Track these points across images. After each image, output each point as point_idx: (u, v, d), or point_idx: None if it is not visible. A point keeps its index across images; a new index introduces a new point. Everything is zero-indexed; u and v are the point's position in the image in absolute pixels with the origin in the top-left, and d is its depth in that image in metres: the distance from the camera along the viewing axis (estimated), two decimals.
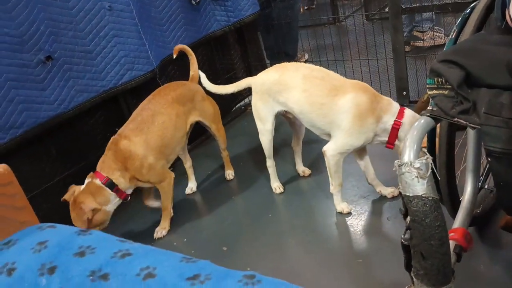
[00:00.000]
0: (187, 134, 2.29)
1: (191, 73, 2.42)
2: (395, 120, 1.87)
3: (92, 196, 1.93)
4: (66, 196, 1.98)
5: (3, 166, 1.10)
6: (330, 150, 1.94)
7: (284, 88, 2.03)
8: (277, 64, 2.20)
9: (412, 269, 1.08)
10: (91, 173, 2.00)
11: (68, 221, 2.22)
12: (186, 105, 2.21)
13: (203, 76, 2.36)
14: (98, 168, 2.00)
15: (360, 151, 2.06)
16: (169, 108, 2.12)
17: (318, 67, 2.08)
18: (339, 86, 1.92)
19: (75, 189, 1.97)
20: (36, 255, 1.00)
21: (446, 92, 1.08)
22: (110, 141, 2.04)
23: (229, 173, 2.57)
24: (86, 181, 1.98)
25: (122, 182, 1.98)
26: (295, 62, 2.19)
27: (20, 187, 1.19)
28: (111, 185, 1.97)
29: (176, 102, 2.16)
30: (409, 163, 0.99)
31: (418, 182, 0.98)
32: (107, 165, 1.98)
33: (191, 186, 2.51)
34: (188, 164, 2.51)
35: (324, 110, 1.94)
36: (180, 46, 2.47)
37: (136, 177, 2.01)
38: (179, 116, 2.16)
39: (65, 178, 2.25)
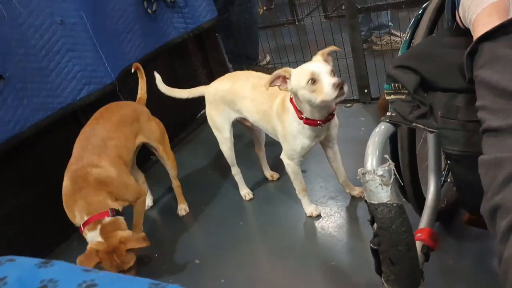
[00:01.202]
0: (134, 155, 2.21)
1: (139, 95, 2.33)
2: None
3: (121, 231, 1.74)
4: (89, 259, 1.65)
5: None
6: (284, 158, 1.94)
7: (237, 97, 2.02)
8: (229, 73, 2.20)
9: (383, 274, 1.09)
10: (85, 226, 1.74)
11: (33, 246, 2.15)
12: (132, 125, 2.11)
13: (158, 78, 2.31)
14: (89, 214, 1.75)
15: (330, 151, 2.00)
16: (117, 131, 2.01)
17: (267, 75, 2.06)
18: (276, 90, 1.79)
19: (95, 246, 1.68)
20: None
21: (403, 97, 1.09)
22: (71, 180, 1.81)
23: (182, 208, 2.35)
24: (93, 233, 1.72)
25: (117, 205, 1.84)
26: (246, 71, 2.19)
27: None
28: (118, 212, 1.80)
29: (122, 124, 2.05)
30: (372, 171, 1.00)
31: (382, 189, 0.99)
32: (95, 202, 1.77)
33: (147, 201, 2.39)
34: (141, 180, 2.42)
35: (266, 116, 1.93)
36: (137, 64, 2.37)
37: (119, 199, 1.88)
38: (128, 138, 2.06)
39: (28, 202, 2.17)
